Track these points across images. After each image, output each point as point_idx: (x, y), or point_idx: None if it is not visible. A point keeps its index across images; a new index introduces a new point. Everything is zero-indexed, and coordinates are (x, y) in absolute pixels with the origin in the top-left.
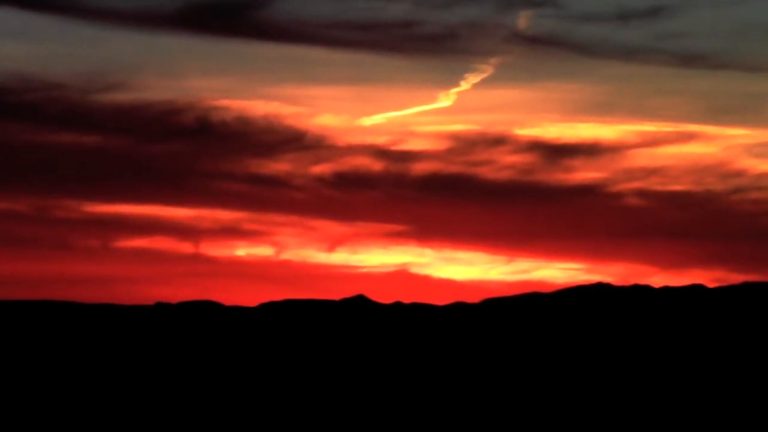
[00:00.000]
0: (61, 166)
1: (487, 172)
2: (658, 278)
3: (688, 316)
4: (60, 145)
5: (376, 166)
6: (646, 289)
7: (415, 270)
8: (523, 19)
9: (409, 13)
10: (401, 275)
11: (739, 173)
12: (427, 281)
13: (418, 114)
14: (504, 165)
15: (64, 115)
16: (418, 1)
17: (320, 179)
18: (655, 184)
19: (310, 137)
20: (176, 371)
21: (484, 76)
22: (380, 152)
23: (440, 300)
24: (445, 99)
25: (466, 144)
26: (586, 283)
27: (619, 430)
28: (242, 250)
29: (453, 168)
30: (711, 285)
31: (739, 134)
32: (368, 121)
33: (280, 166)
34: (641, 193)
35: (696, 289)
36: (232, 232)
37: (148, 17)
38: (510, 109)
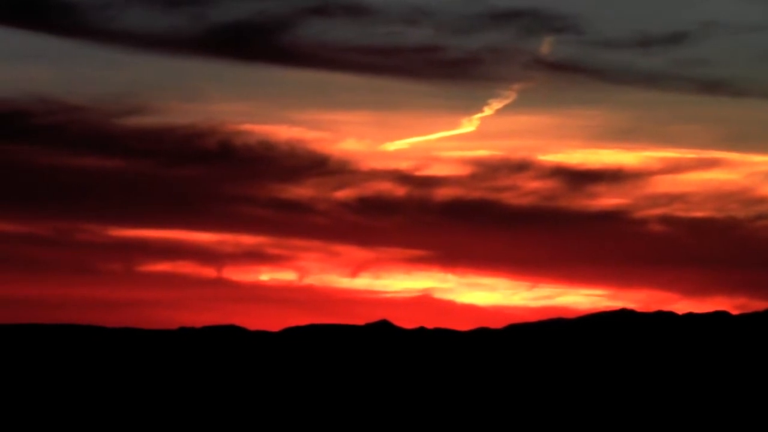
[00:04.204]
0: (84, 190)
1: (510, 198)
2: (681, 305)
3: (711, 342)
4: (82, 168)
5: (399, 191)
6: (670, 316)
7: (438, 295)
8: (545, 45)
9: (431, 38)
10: (424, 300)
11: (762, 200)
12: (450, 306)
13: (441, 139)
14: (527, 191)
15: (86, 139)
16: (440, 26)
17: (343, 204)
18: (677, 211)
19: (333, 162)
20: (200, 396)
21: (507, 101)
22: (403, 177)
23: (464, 325)
24: (468, 124)
25: (489, 169)
26: (610, 309)
27: None
28: (265, 275)
29: (476, 193)
30: (734, 312)
31: (762, 161)
32: (391, 146)
33: (303, 191)
34: (664, 220)
35: (719, 316)
36: (255, 257)
37: (171, 41)
38: (533, 135)
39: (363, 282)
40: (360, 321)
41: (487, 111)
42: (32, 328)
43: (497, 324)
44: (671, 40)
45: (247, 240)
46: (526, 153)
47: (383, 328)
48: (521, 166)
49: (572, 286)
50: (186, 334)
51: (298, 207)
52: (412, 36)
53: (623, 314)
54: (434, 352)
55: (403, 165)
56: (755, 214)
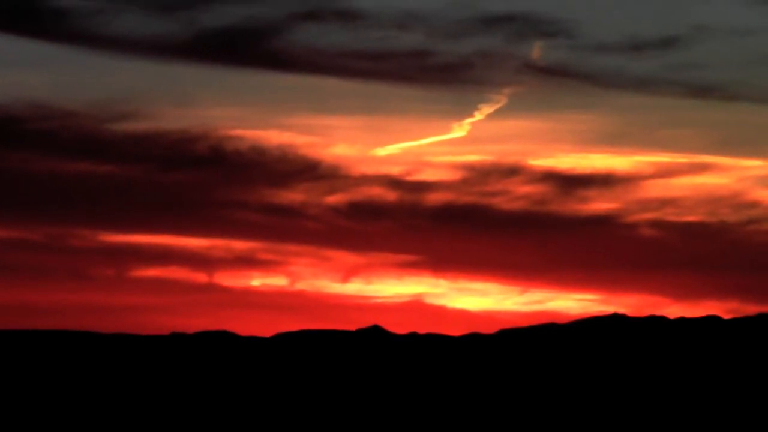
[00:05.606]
0: (76, 195)
1: (501, 203)
2: (672, 309)
3: (703, 347)
4: (74, 174)
5: (390, 196)
6: (661, 320)
7: (429, 300)
8: (536, 50)
9: (422, 43)
10: (416, 305)
11: (753, 204)
12: (441, 312)
13: (432, 144)
14: (518, 195)
15: (78, 144)
16: (431, 31)
17: (334, 209)
18: (669, 215)
19: (324, 167)
20: (192, 401)
21: (497, 106)
22: (394, 182)
23: (455, 330)
24: (459, 129)
25: (479, 174)
26: (601, 314)
27: None
28: (257, 280)
29: (467, 198)
30: (726, 316)
31: (753, 165)
32: (382, 151)
33: (294, 196)
34: (655, 224)
35: (711, 320)
36: (247, 262)
37: (163, 46)
38: (523, 140)
39: (354, 287)
40: (351, 326)
41: (478, 116)
42: (25, 333)
43: (489, 329)
44: (662, 45)
45: (239, 245)
46: (517, 158)
47: (375, 333)
48: (512, 171)
49: (563, 291)
50: (178, 339)
51: (289, 212)
52: (403, 41)
53: (615, 319)
54: (426, 357)
55: (394, 170)
56: (747, 218)
